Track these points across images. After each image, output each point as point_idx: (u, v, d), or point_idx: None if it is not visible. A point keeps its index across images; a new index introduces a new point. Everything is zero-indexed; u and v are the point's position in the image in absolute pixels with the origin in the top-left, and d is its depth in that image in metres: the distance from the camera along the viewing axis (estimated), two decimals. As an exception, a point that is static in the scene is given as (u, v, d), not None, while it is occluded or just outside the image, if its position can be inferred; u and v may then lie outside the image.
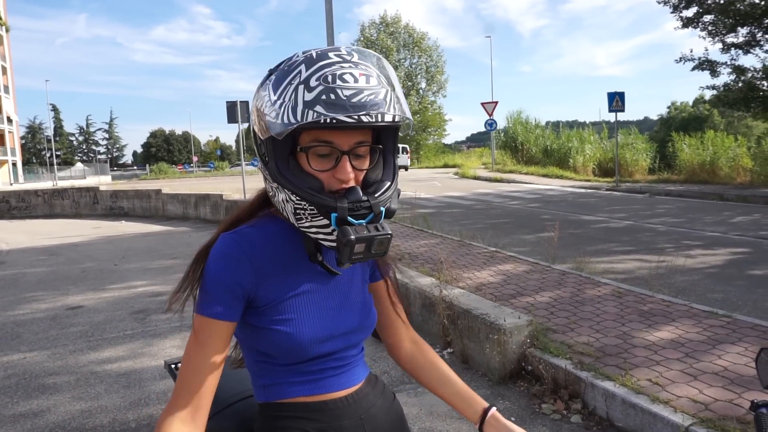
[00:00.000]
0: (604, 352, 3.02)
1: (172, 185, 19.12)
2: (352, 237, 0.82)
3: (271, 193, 0.93)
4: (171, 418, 0.87)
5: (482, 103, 22.45)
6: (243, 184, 12.31)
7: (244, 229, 0.95)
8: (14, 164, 48.74)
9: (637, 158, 19.63)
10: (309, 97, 0.81)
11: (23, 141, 66.49)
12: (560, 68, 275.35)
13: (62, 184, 30.04)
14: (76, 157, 79.21)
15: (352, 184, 0.88)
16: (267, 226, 0.96)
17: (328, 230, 0.86)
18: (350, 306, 1.00)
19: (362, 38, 43.51)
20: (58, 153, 64.00)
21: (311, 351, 0.93)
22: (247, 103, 11.71)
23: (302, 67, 0.84)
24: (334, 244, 0.85)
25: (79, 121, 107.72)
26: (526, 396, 2.97)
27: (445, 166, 30.23)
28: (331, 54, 0.86)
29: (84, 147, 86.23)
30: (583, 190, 14.92)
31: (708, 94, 15.07)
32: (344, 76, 0.82)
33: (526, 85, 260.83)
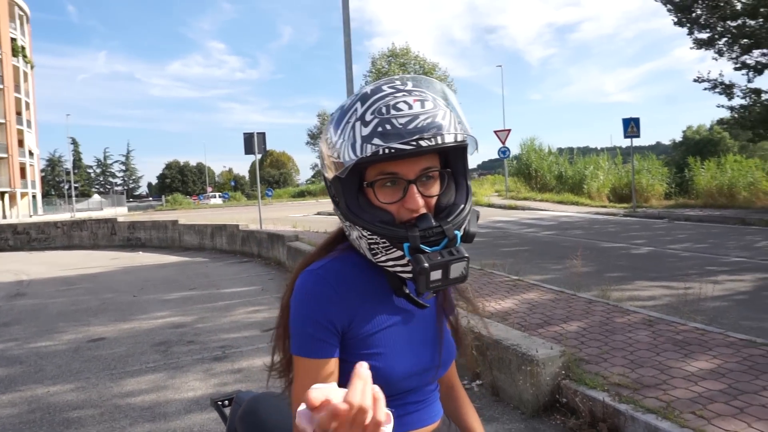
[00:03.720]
0: (641, 383, 2.93)
1: (188, 216, 19.31)
2: (426, 264, 0.80)
3: (346, 233, 0.92)
4: None
5: (495, 131, 22.55)
6: (259, 213, 12.39)
7: (327, 263, 0.92)
8: (34, 196, 49.69)
9: (652, 183, 19.48)
10: (366, 131, 0.81)
11: (43, 173, 67.93)
12: (570, 96, 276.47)
13: (80, 215, 30.50)
14: (93, 189, 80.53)
15: (422, 212, 0.85)
16: (350, 258, 0.94)
17: (404, 261, 0.84)
18: (434, 340, 0.97)
19: (374, 70, 44.22)
20: (76, 185, 65.09)
21: (399, 386, 0.90)
22: (263, 134, 11.89)
23: (358, 104, 0.85)
24: (412, 275, 0.83)
25: (97, 153, 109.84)
26: (562, 430, 2.87)
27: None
28: (384, 86, 0.87)
29: (101, 179, 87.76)
30: (599, 217, 14.79)
31: (723, 116, 14.84)
32: (398, 105, 0.82)
33: (536, 112, 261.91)
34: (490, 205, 20.40)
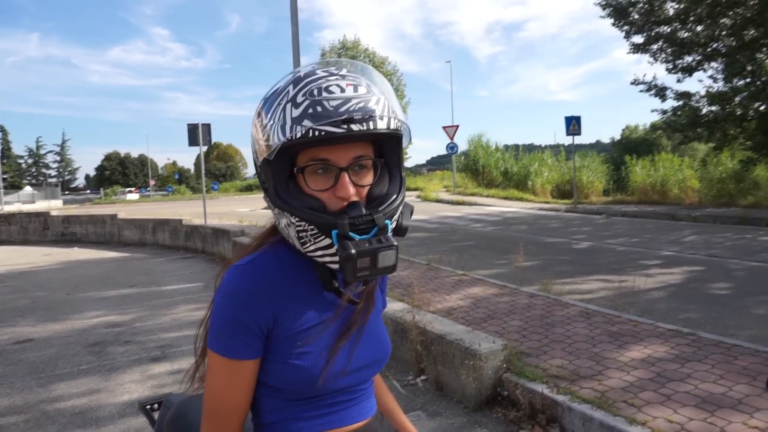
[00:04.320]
0: (578, 374, 3.03)
1: (129, 210, 18.53)
2: (353, 251, 0.77)
3: (276, 222, 0.88)
4: None
5: (444, 127, 22.84)
6: (204, 208, 12.03)
7: (256, 257, 0.88)
8: (-44, 188, 46.26)
9: (592, 180, 20.29)
10: (296, 113, 0.79)
11: (-34, 164, 63.38)
12: (516, 93, 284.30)
13: (9, 208, 28.63)
14: (25, 181, 75.88)
15: (354, 200, 0.83)
16: (280, 251, 0.90)
17: (332, 251, 0.81)
18: (368, 337, 0.94)
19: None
20: (5, 176, 61.03)
21: (327, 386, 0.87)
22: (208, 125, 11.53)
23: (290, 86, 0.83)
24: (339, 263, 0.81)
25: (29, 142, 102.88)
26: (503, 423, 2.93)
27: (407, 189, 30.47)
28: (318, 70, 0.85)
29: (33, 170, 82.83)
30: (543, 212, 15.27)
31: (656, 120, 15.75)
32: (330, 88, 0.80)
33: (483, 108, 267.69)
34: (438, 201, 20.67)
